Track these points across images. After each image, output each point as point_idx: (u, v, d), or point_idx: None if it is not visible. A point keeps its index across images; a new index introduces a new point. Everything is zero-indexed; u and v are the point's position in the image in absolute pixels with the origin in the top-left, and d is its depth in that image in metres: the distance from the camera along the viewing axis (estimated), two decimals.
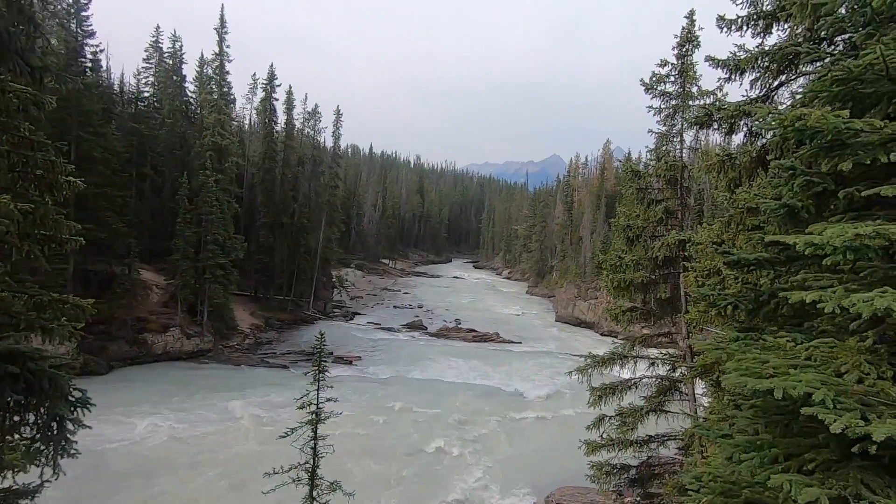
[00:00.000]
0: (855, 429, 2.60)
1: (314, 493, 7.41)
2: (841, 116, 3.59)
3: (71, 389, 5.29)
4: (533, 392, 29.96)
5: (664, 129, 10.93)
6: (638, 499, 10.96)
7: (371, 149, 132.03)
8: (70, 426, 5.26)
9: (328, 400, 7.62)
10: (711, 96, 9.65)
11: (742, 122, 7.16)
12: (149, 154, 39.91)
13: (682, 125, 10.69)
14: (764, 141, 6.93)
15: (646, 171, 11.06)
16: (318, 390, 7.42)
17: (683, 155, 10.81)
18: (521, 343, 43.22)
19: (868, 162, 3.62)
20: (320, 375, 7.32)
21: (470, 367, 34.60)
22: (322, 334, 7.81)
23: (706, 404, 10.22)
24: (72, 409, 5.27)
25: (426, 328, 46.93)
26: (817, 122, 3.59)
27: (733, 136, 7.75)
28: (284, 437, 7.20)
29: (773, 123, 4.16)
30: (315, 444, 7.46)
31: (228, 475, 17.81)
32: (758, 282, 4.60)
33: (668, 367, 10.90)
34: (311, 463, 7.39)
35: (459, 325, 48.69)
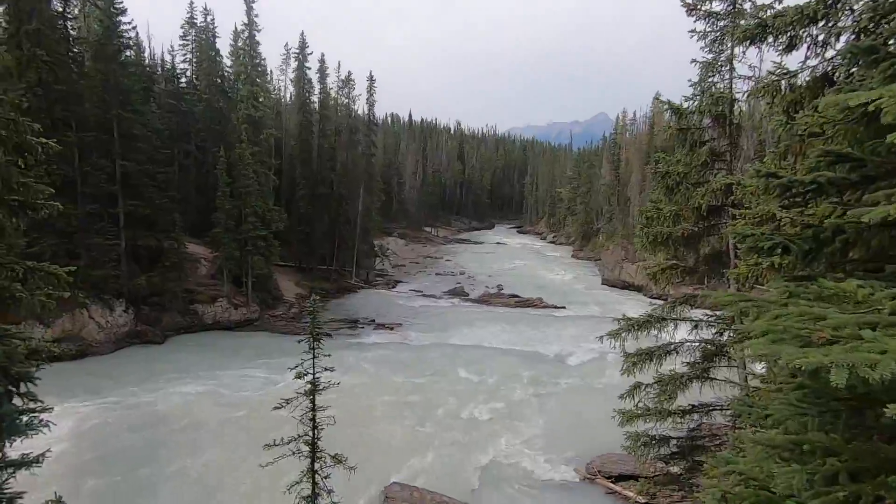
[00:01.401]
0: None
1: (316, 466, 7.12)
2: None
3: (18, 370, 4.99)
4: (575, 357, 29.07)
5: (710, 56, 9.43)
6: (682, 472, 10.11)
7: (410, 117, 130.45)
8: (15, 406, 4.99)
9: (326, 369, 7.22)
10: (769, 11, 8.09)
11: (804, 33, 5.82)
12: (189, 130, 40.76)
13: (732, 50, 9.16)
14: (833, 53, 5.60)
15: (688, 107, 9.65)
16: (313, 359, 7.01)
17: (733, 86, 9.33)
18: (564, 308, 42.07)
19: None
20: (316, 344, 6.89)
21: (511, 333, 34.02)
22: (316, 300, 7.33)
23: (759, 371, 9.08)
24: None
25: (468, 294, 46.54)
26: None
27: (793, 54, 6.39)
28: (279, 408, 6.87)
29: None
30: (314, 416, 7.11)
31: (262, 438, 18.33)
32: (820, 217, 3.56)
33: (714, 331, 9.76)
34: (311, 435, 7.06)
35: (501, 291, 47.98)
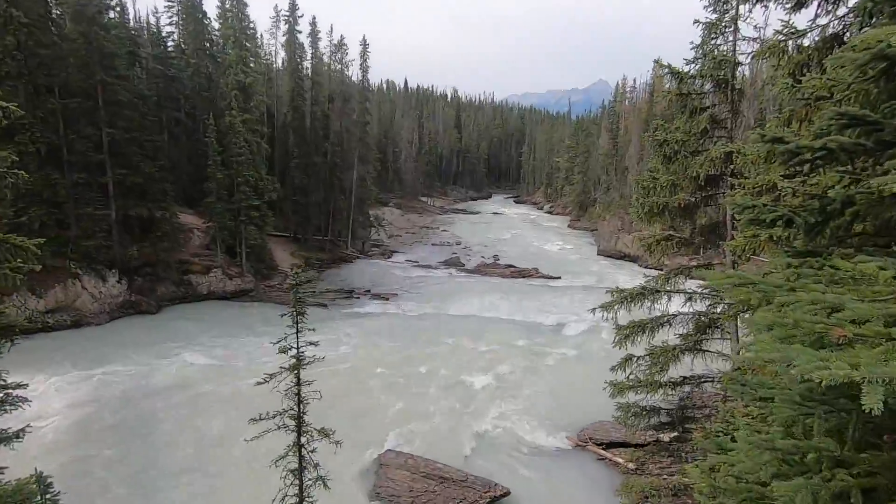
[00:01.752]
0: None
1: (303, 440, 7.07)
2: None
3: None
4: (570, 327, 29.23)
5: (713, 17, 8.95)
6: (671, 440, 10.19)
7: (406, 83, 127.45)
8: None
9: (310, 344, 7.08)
10: None
11: None
12: (177, 97, 39.65)
13: (737, 9, 8.67)
14: (846, 10, 5.23)
15: (689, 71, 9.22)
16: (297, 333, 6.85)
17: (737, 49, 8.89)
18: (560, 278, 42.13)
19: None
20: (299, 318, 6.72)
21: (507, 303, 34.11)
22: (299, 273, 7.12)
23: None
24: None
25: (464, 265, 46.50)
26: None
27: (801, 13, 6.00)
28: (262, 384, 6.76)
29: None
30: (299, 391, 7.01)
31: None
32: (823, 187, 3.32)
33: (707, 303, 9.64)
34: (297, 410, 6.97)
35: (497, 261, 47.94)
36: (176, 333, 26.07)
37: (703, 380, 9.68)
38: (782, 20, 5.78)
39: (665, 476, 11.76)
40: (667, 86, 10.60)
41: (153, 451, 15.66)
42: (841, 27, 5.25)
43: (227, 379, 20.65)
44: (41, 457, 14.89)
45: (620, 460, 15.33)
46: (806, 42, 5.35)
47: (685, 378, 9.84)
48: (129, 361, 22.27)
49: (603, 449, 16.54)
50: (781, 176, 4.75)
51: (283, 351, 6.85)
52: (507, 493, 14.07)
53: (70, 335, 25.48)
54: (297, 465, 6.87)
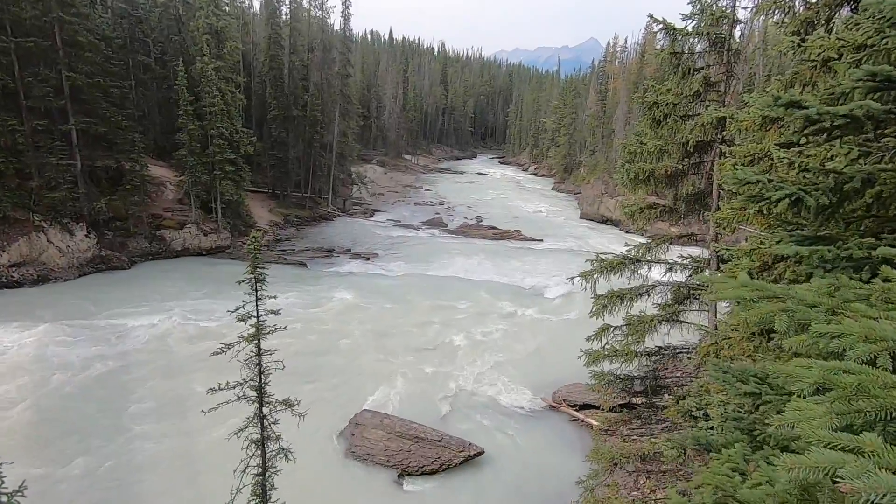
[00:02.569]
0: None
1: (265, 411, 6.81)
2: None
3: None
4: (549, 290, 29.36)
5: None
6: (642, 405, 10.30)
7: (391, 34, 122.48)
8: None
9: (272, 312, 6.68)
10: None
11: None
12: (145, 40, 37.25)
13: None
14: None
15: (685, 27, 8.64)
16: (256, 301, 6.43)
17: (737, 4, 8.33)
18: (542, 241, 42.11)
19: None
20: (258, 285, 6.29)
21: (488, 264, 34.05)
22: (257, 237, 6.62)
23: (726, 317, 8.94)
24: None
25: (446, 225, 46.09)
26: None
27: None
28: (218, 353, 6.40)
29: None
30: (260, 361, 6.67)
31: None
32: (821, 159, 2.97)
33: (688, 272, 9.49)
34: (258, 381, 6.66)
35: (480, 223, 47.62)
36: (148, 290, 25.43)
37: (678, 351, 9.67)
38: None
39: (635, 438, 12.01)
40: (659, 45, 10.02)
41: (117, 412, 15.41)
42: None
43: (199, 340, 20.28)
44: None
45: (593, 421, 15.64)
46: None
47: (660, 348, 9.81)
48: (96, 318, 21.70)
49: (576, 410, 16.85)
50: (776, 145, 4.38)
51: (242, 319, 6.44)
52: (481, 453, 14.29)
53: (37, 291, 24.67)
54: (259, 436, 6.64)
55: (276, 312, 6.50)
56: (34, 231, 26.16)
